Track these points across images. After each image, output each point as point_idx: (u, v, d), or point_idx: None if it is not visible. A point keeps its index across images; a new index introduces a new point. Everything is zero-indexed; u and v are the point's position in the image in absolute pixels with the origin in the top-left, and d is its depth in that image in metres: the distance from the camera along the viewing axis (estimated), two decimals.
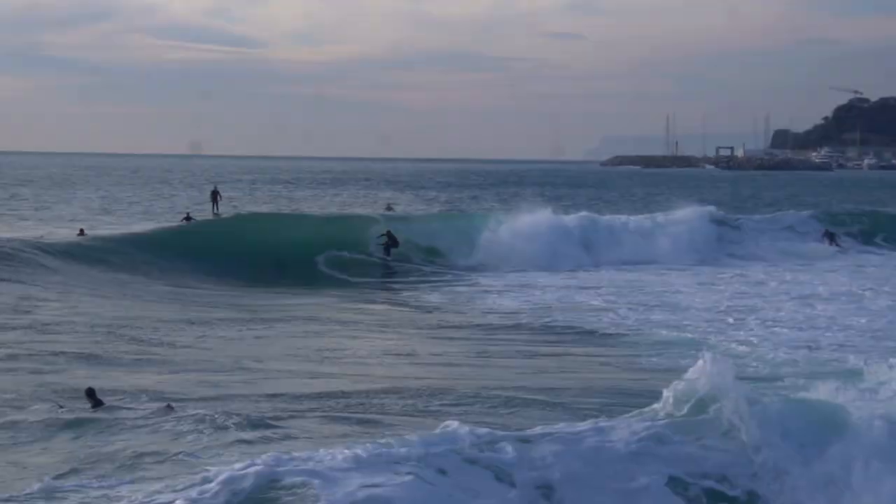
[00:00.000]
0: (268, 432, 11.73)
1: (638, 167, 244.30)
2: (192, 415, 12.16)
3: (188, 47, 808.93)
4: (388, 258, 35.25)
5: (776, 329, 22.37)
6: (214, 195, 59.47)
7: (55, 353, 17.52)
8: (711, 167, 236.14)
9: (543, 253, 37.37)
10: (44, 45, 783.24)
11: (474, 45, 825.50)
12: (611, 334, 21.86)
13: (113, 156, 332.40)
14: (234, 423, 11.76)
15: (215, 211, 57.19)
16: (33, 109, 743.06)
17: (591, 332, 22.22)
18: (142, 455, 10.71)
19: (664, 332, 21.95)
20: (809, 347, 20.01)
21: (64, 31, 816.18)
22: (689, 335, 21.37)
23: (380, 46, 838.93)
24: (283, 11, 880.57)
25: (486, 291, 29.97)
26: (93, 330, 20.26)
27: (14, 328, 20.07)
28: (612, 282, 32.02)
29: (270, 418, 12.63)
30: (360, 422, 12.99)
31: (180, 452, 10.74)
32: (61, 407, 13.25)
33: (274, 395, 14.67)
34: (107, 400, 13.62)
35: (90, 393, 13.53)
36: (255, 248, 34.10)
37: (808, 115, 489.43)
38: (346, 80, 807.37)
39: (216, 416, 11.98)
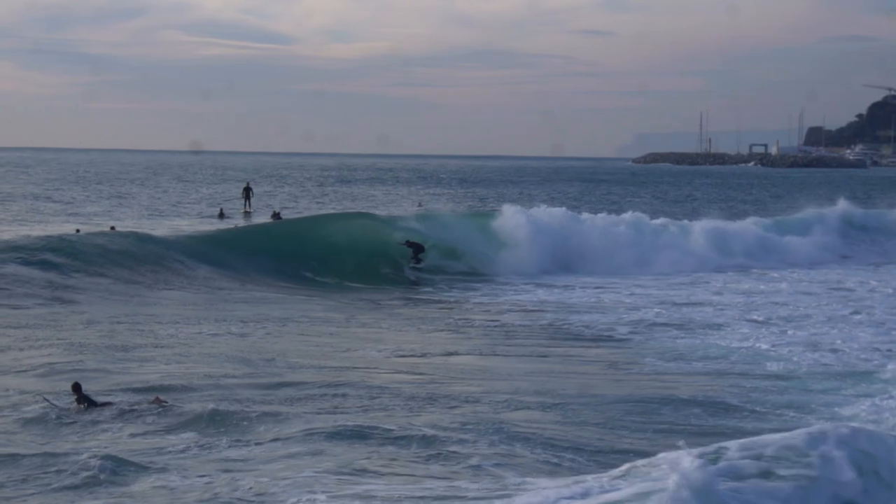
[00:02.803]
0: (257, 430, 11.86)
1: (670, 164, 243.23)
2: (185, 410, 12.29)
3: (221, 44, 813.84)
4: (419, 265, 34.97)
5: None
6: (247, 192, 59.97)
7: (71, 346, 17.83)
8: (751, 164, 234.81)
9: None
10: (77, 42, 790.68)
11: (505, 43, 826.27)
12: (624, 338, 21.66)
13: (145, 152, 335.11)
14: (215, 419, 11.87)
15: (247, 208, 57.61)
16: (67, 106, 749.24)
17: (604, 334, 22.15)
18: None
19: (678, 334, 21.89)
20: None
21: (98, 27, 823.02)
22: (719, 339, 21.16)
23: (411, 43, 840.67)
24: (315, 8, 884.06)
25: (507, 290, 30.06)
26: (108, 325, 20.56)
27: (28, 326, 20.39)
28: (642, 284, 31.64)
29: (266, 415, 12.76)
30: (360, 420, 13.05)
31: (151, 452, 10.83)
32: (54, 405, 13.43)
33: (274, 388, 14.85)
34: (100, 397, 13.82)
35: (77, 388, 13.70)
36: (283, 250, 34.15)
37: (842, 112, 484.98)
38: (377, 76, 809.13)
39: (204, 412, 12.10)
